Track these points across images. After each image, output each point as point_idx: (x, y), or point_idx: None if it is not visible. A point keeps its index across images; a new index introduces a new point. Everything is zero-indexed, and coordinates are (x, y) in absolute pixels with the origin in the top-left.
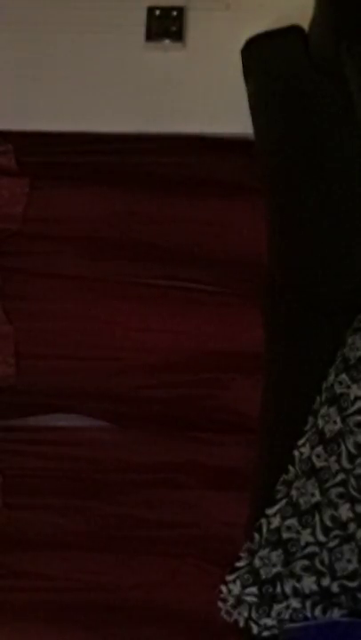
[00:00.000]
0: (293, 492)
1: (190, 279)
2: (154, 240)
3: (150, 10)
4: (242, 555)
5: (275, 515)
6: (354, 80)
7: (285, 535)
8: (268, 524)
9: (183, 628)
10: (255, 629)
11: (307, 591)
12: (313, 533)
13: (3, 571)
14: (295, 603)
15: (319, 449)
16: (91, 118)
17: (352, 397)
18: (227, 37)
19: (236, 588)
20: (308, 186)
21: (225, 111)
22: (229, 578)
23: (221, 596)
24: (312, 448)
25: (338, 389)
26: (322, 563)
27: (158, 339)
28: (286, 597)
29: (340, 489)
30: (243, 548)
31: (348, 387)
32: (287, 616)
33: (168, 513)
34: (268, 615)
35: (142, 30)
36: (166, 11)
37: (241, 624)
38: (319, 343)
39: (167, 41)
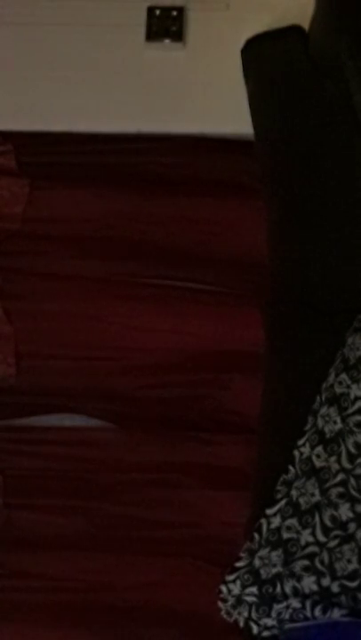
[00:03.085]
0: (293, 492)
1: (190, 279)
2: (154, 240)
3: (150, 10)
4: (242, 555)
5: (275, 515)
6: (354, 80)
7: (285, 535)
8: (268, 523)
9: (183, 628)
10: (255, 629)
11: (307, 591)
12: (313, 533)
13: (3, 571)
14: (295, 603)
15: (319, 449)
16: (91, 118)
17: (352, 397)
18: (227, 37)
19: (236, 588)
20: (308, 186)
21: (225, 111)
22: (229, 578)
23: (221, 596)
24: (312, 448)
25: (338, 389)
26: (322, 563)
27: (158, 339)
28: (286, 597)
29: (340, 489)
30: (243, 548)
31: (348, 387)
32: (287, 616)
33: (168, 513)
34: (268, 615)
35: (142, 30)
36: (166, 11)
37: (241, 624)
38: (319, 343)
39: (167, 41)
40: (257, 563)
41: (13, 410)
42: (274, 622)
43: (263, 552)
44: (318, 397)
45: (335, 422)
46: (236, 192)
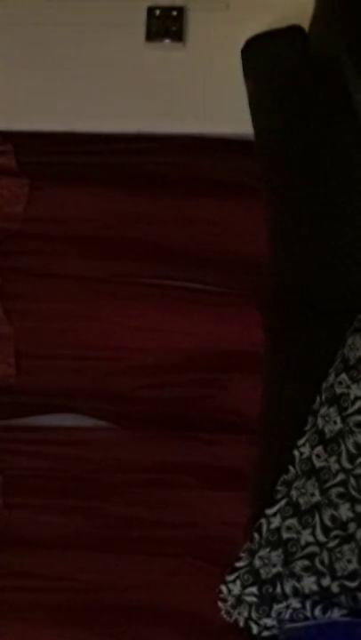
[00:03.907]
0: (293, 492)
1: (190, 279)
2: (154, 240)
3: (150, 10)
4: (242, 555)
5: (275, 515)
6: (354, 80)
7: (285, 535)
8: (268, 523)
9: (183, 628)
10: (255, 629)
11: (307, 591)
12: (313, 533)
13: (3, 571)
14: (295, 603)
15: (319, 449)
16: (91, 118)
17: (352, 397)
18: (227, 37)
19: (236, 588)
20: (307, 186)
21: (225, 111)
22: (229, 578)
23: (221, 596)
24: (312, 448)
25: (338, 389)
26: (322, 563)
27: (158, 339)
28: (286, 597)
29: (340, 489)
30: (243, 548)
31: (348, 387)
32: (287, 616)
33: (168, 513)
34: (268, 615)
35: (142, 30)
36: (166, 11)
37: (241, 624)
38: (319, 343)
39: (167, 41)
40: (257, 563)
41: (13, 410)
42: (274, 622)
43: (263, 552)
44: (318, 397)
45: (335, 422)
46: (236, 192)
